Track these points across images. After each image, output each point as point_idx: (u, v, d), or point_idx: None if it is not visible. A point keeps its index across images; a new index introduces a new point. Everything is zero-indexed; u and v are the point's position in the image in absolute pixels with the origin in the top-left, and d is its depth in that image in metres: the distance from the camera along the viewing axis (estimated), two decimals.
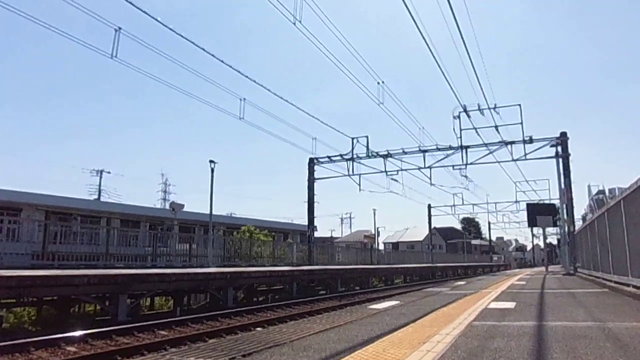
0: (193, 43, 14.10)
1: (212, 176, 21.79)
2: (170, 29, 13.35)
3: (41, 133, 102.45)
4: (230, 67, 15.76)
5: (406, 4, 9.84)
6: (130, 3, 11.80)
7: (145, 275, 12.51)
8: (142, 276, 12.30)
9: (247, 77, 16.64)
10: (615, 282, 10.76)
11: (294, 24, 13.71)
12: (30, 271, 11.09)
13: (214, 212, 22.87)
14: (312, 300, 17.70)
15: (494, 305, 8.49)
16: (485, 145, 25.80)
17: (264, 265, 22.75)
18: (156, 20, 12.91)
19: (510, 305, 8.39)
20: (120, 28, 13.36)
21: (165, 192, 68.30)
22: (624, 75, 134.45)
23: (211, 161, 21.67)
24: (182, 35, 13.75)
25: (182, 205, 23.80)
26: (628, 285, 9.25)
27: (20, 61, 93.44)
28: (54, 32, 12.69)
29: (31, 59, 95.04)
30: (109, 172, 56.29)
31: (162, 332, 10.20)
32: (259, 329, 10.42)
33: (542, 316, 6.70)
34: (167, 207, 32.60)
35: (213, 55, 14.83)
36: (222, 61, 15.34)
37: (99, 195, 54.47)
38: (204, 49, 14.43)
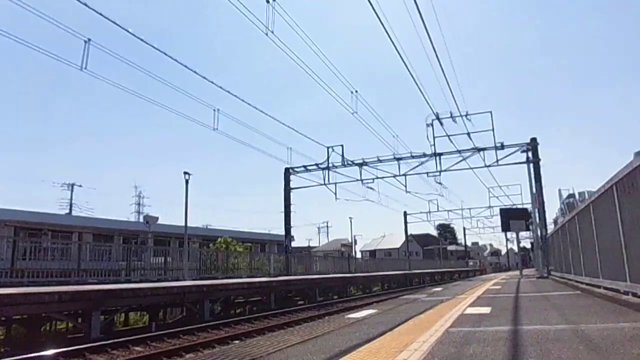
0: (165, 54, 14.01)
1: (187, 188, 21.56)
2: (142, 40, 13.22)
3: (8, 146, 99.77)
4: (204, 77, 15.70)
5: (377, 13, 9.96)
6: (100, 14, 11.66)
7: (119, 291, 12.24)
8: (115, 292, 12.03)
9: (220, 87, 16.61)
10: (587, 284, 10.98)
11: (267, 34, 13.73)
12: None
13: (189, 224, 22.59)
14: (291, 310, 17.59)
15: (470, 310, 8.56)
16: (458, 152, 26.22)
17: (241, 277, 22.53)
18: (127, 31, 12.78)
19: (486, 310, 8.48)
20: (89, 39, 13.18)
21: (139, 204, 67.40)
22: (590, 82, 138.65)
23: (185, 173, 21.46)
24: (153, 46, 13.64)
25: (157, 218, 23.47)
26: (599, 286, 9.45)
27: None
28: (20, 44, 12.41)
29: None
30: (80, 186, 55.40)
31: (137, 349, 9.99)
32: (236, 342, 10.29)
33: (518, 320, 6.78)
34: (141, 220, 32.11)
35: (186, 66, 14.76)
36: (195, 72, 15.26)
37: (70, 209, 53.41)
38: (176, 60, 14.36)
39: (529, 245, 70.58)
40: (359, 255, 64.31)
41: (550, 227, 30.32)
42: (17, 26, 19.47)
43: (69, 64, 13.00)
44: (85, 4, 11.23)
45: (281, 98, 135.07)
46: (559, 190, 52.29)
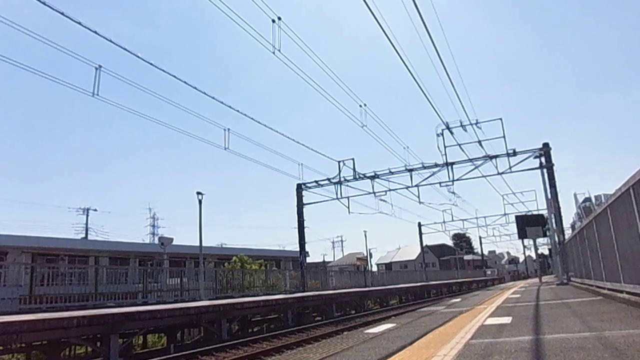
0: (174, 76, 14.17)
1: (201, 208, 21.64)
2: (151, 64, 13.40)
3: (23, 174, 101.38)
4: (213, 98, 15.83)
5: (381, 25, 10.02)
6: (110, 41, 11.87)
7: (136, 313, 12.26)
8: (133, 314, 12.05)
9: (230, 107, 16.72)
10: (609, 289, 10.77)
11: (274, 52, 13.86)
12: (17, 316, 10.80)
13: (204, 244, 22.65)
14: (308, 327, 17.47)
15: (490, 321, 8.43)
16: (470, 160, 26.05)
17: (257, 295, 22.46)
18: (137, 56, 12.97)
19: (507, 320, 8.35)
20: (100, 66, 13.38)
21: (153, 226, 67.77)
22: (601, 83, 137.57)
23: (198, 193, 21.54)
24: (163, 70, 13.81)
25: (171, 239, 23.54)
26: (621, 291, 9.26)
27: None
28: (32, 73, 12.65)
29: (10, 99, 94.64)
30: (95, 210, 56.01)
31: None
32: None
33: (539, 329, 6.66)
34: (156, 241, 32.26)
35: (195, 88, 14.90)
36: (204, 93, 15.41)
37: (86, 233, 53.84)
38: (185, 82, 14.49)
39: (546, 252, 69.62)
40: (374, 268, 63.93)
41: (568, 232, 29.92)
42: (32, 56, 19.89)
43: (82, 91, 13.20)
44: (95, 32, 11.46)
45: (290, 114, 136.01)
46: (575, 195, 51.70)
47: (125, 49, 12.42)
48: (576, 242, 18.37)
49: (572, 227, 41.40)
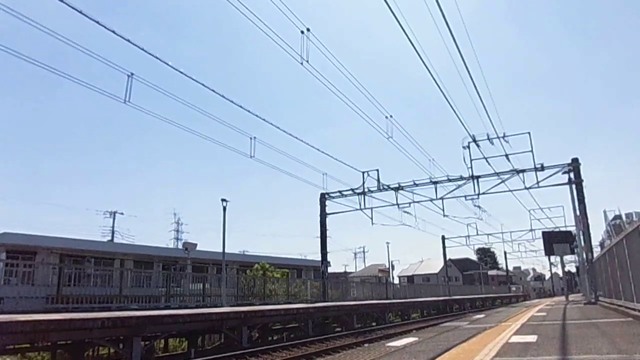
0: (203, 85, 14.39)
1: (225, 214, 21.83)
2: (181, 72, 13.65)
3: (57, 178, 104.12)
4: (240, 106, 16.00)
5: (408, 36, 10.02)
6: (143, 49, 12.15)
7: (159, 317, 12.40)
8: (155, 318, 12.19)
9: (256, 115, 16.86)
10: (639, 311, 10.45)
11: (302, 63, 13.97)
12: (44, 315, 11.05)
13: (227, 250, 22.83)
14: (328, 337, 17.39)
15: (515, 339, 8.27)
16: (497, 174, 25.68)
17: (279, 303, 22.49)
18: (167, 64, 13.23)
19: (532, 338, 8.17)
20: (132, 74, 13.68)
21: (177, 231, 68.61)
22: (631, 97, 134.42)
23: (223, 199, 21.76)
24: (192, 78, 14.03)
25: (195, 245, 23.81)
26: None
27: (34, 108, 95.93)
28: (67, 79, 13.03)
29: (44, 105, 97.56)
30: (122, 214, 56.81)
31: None
32: None
33: (566, 349, 6.50)
34: (180, 246, 32.69)
35: (223, 96, 15.09)
36: (231, 101, 15.59)
37: (112, 236, 54.84)
38: (213, 90, 14.70)
39: (574, 269, 67.93)
40: (396, 280, 63.36)
41: (597, 250, 29.16)
42: (66, 64, 20.45)
43: (114, 97, 13.52)
44: (129, 40, 11.74)
45: (316, 123, 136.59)
46: (604, 212, 50.26)
47: (156, 57, 12.69)
48: (605, 261, 17.89)
49: (601, 245, 40.29)
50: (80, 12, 10.62)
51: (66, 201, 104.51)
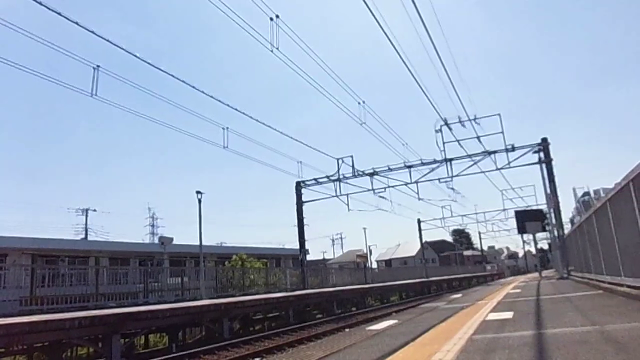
0: (172, 75, 14.15)
1: (200, 207, 21.65)
2: (149, 64, 13.38)
3: (22, 175, 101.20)
4: (212, 97, 15.80)
5: (379, 21, 10.02)
6: (108, 41, 11.85)
7: (138, 313, 12.26)
8: (134, 314, 12.06)
9: (228, 105, 16.69)
10: (609, 283, 10.80)
11: (272, 51, 13.84)
12: (18, 318, 10.80)
13: (204, 243, 22.66)
14: (310, 325, 17.50)
15: (492, 316, 8.45)
16: (469, 156, 26.05)
17: (258, 293, 22.48)
18: (135, 56, 12.95)
19: (509, 315, 8.37)
20: (98, 66, 13.35)
21: (153, 226, 67.75)
22: (598, 79, 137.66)
23: (198, 192, 21.54)
24: (160, 69, 13.80)
25: (171, 239, 23.54)
26: (621, 285, 9.29)
27: None
28: (30, 73, 12.63)
29: (8, 100, 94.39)
30: (94, 210, 55.77)
31: None
32: (257, 359, 10.25)
33: (541, 324, 6.68)
34: (156, 241, 32.25)
35: (193, 87, 14.88)
36: (203, 92, 15.39)
37: (86, 234, 53.79)
38: (184, 81, 14.47)
39: (546, 247, 69.75)
40: (374, 265, 63.95)
41: (567, 227, 29.95)
42: (30, 57, 19.79)
43: (80, 91, 13.18)
44: (93, 32, 11.43)
45: (289, 112, 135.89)
46: (574, 189, 51.62)
47: (122, 49, 12.42)
48: (576, 237, 18.40)
49: (572, 221, 41.41)
50: (40, 3, 10.28)
51: (34, 199, 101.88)
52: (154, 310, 12.77)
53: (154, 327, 13.92)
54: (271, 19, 13.86)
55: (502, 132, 24.66)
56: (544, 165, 25.98)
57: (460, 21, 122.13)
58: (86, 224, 54.86)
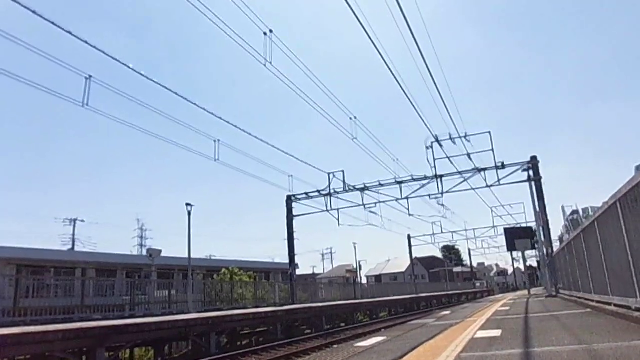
0: (165, 87, 14.15)
1: (190, 219, 21.52)
2: (142, 75, 13.40)
3: (10, 183, 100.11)
4: (204, 109, 15.81)
5: (371, 38, 10.11)
6: (102, 51, 11.85)
7: (124, 326, 12.08)
8: (120, 327, 11.88)
9: (220, 118, 16.72)
10: (597, 302, 10.82)
11: (265, 65, 13.91)
12: (0, 329, 10.61)
13: (193, 256, 22.47)
14: (298, 340, 17.34)
15: (480, 334, 8.42)
16: (459, 173, 26.20)
17: (247, 307, 22.28)
18: (127, 67, 12.95)
19: (497, 333, 8.35)
20: (90, 76, 13.33)
21: (141, 237, 66.90)
22: (589, 97, 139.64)
23: (188, 204, 21.43)
24: (153, 81, 13.79)
25: (160, 251, 23.37)
26: (609, 304, 9.31)
27: None
28: (22, 82, 12.57)
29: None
30: (82, 221, 55.13)
31: None
32: None
33: (529, 343, 6.67)
34: (145, 253, 31.97)
35: (186, 99, 14.89)
36: (195, 104, 15.39)
37: (73, 245, 53.16)
38: (176, 93, 14.49)
39: (535, 264, 69.93)
40: (364, 280, 63.76)
41: (556, 245, 30.10)
42: (19, 66, 19.69)
43: (72, 101, 13.13)
44: (86, 42, 11.43)
45: (281, 126, 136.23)
46: (562, 207, 51.89)
47: (115, 59, 12.40)
48: (564, 255, 18.48)
49: (560, 239, 41.60)
50: (34, 12, 10.28)
51: (20, 209, 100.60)
52: (140, 324, 12.59)
53: (140, 341, 13.72)
54: (265, 33, 13.97)
55: (493, 150, 24.89)
56: (533, 183, 26.18)
57: (452, 38, 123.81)
58: (74, 234, 54.28)
